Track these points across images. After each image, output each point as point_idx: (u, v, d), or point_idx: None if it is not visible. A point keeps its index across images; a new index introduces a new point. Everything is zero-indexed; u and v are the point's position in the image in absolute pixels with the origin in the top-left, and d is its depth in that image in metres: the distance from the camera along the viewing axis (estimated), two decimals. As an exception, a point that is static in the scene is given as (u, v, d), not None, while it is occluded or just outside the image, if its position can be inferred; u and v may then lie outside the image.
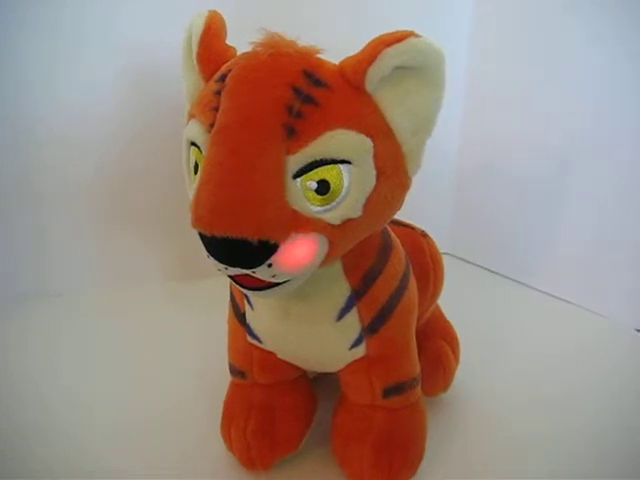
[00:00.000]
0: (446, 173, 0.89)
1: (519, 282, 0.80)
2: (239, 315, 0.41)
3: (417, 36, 0.29)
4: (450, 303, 0.54)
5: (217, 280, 0.47)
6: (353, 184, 0.29)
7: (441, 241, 0.51)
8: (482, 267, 0.87)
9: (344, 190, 0.29)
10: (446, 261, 0.50)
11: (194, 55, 0.33)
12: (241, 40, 0.32)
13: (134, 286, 0.76)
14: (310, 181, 0.28)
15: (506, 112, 0.78)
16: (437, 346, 0.50)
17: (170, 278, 0.79)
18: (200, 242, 0.28)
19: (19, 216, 0.71)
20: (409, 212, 0.37)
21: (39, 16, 0.64)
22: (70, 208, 0.72)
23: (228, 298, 0.44)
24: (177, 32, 0.37)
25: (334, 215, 0.29)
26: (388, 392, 0.39)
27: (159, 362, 0.58)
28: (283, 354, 0.41)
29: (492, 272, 0.85)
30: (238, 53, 0.33)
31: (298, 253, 0.29)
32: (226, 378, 0.45)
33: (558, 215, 0.74)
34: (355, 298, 0.36)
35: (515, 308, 0.73)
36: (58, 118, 0.68)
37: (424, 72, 0.30)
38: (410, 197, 0.34)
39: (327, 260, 0.31)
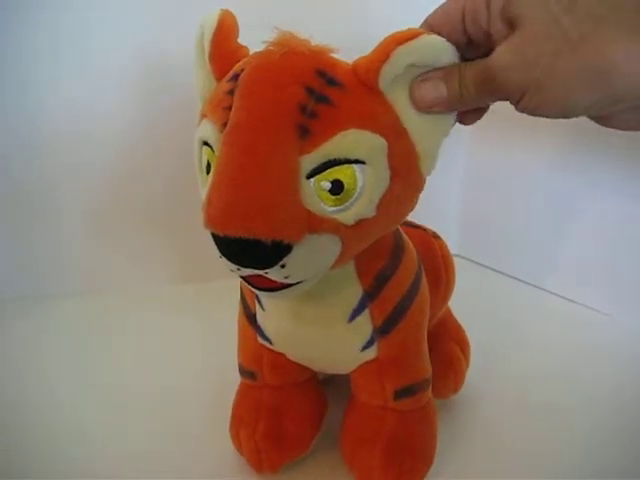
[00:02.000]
0: (456, 173, 0.88)
1: (529, 284, 0.80)
2: (250, 316, 0.41)
3: (429, 34, 0.29)
4: (460, 305, 0.54)
5: (223, 282, 0.47)
6: (367, 184, 0.29)
7: (450, 243, 0.51)
8: (491, 269, 0.86)
9: (358, 190, 0.29)
10: (455, 263, 0.50)
11: (206, 54, 0.33)
12: (253, 39, 0.32)
13: (138, 288, 0.76)
14: (324, 181, 0.28)
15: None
16: (448, 348, 0.49)
17: (174, 280, 0.79)
18: (210, 243, 0.28)
19: (20, 218, 0.70)
20: (418, 213, 0.36)
21: (42, 16, 0.64)
22: (71, 209, 0.72)
23: (233, 300, 0.44)
24: (184, 28, 0.37)
25: (348, 215, 0.29)
26: (399, 394, 0.39)
27: (164, 364, 0.58)
28: (294, 355, 0.41)
29: (502, 274, 0.84)
30: (250, 52, 0.33)
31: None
32: (233, 380, 0.45)
33: (568, 216, 0.74)
34: (367, 299, 0.36)
35: (525, 310, 0.72)
36: (62, 119, 0.68)
37: None
38: (420, 197, 0.33)
39: (340, 261, 0.31)
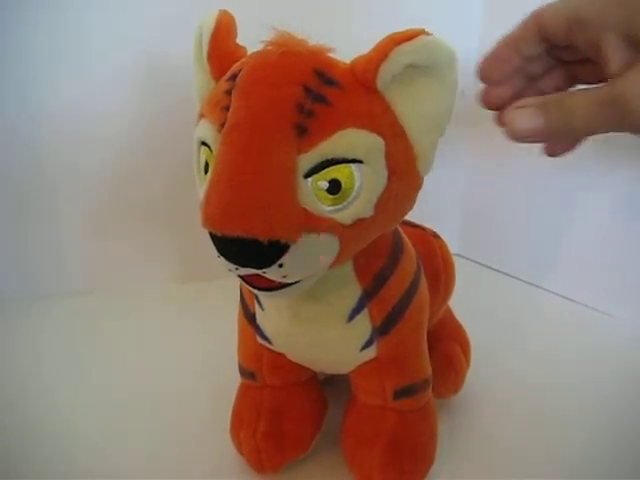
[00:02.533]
0: (456, 173, 0.88)
1: (529, 283, 0.80)
2: (249, 316, 0.41)
3: (428, 34, 0.29)
4: (460, 304, 0.54)
5: (224, 282, 0.47)
6: (365, 184, 0.29)
7: (451, 242, 0.51)
8: (492, 268, 0.86)
9: (355, 190, 0.29)
10: (455, 262, 0.50)
11: (204, 54, 0.33)
12: (252, 39, 0.32)
13: (137, 288, 0.76)
14: (321, 180, 0.28)
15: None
16: (448, 348, 0.49)
17: (174, 280, 0.79)
18: (209, 242, 0.28)
19: (20, 218, 0.71)
20: (418, 212, 0.36)
21: (42, 17, 0.64)
22: (70, 209, 0.72)
23: (234, 300, 0.44)
24: (185, 29, 0.37)
25: (345, 215, 0.29)
26: (399, 394, 0.39)
27: (164, 363, 0.58)
28: (293, 355, 0.41)
29: (502, 273, 0.84)
30: (248, 52, 0.33)
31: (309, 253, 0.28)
32: (233, 380, 0.45)
33: (568, 215, 0.74)
34: (366, 299, 0.36)
35: (525, 309, 0.72)
36: (62, 119, 0.69)
37: (435, 70, 0.30)
38: (419, 197, 0.33)
39: (338, 260, 0.31)
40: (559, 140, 0.30)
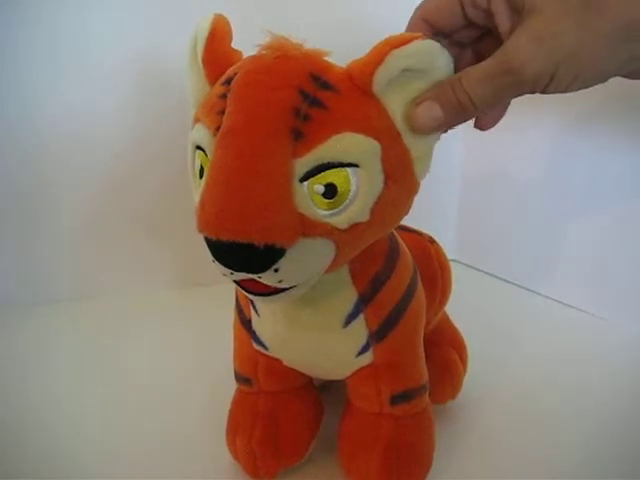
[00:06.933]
0: (452, 178, 0.88)
1: (525, 288, 0.80)
2: (244, 321, 0.41)
3: (424, 38, 0.29)
4: (456, 310, 0.53)
5: (221, 287, 0.47)
6: (361, 188, 0.29)
7: (447, 247, 0.51)
8: (488, 273, 0.86)
9: (351, 194, 0.29)
10: (452, 267, 0.50)
11: (199, 59, 0.33)
12: (246, 43, 0.32)
13: (136, 293, 0.76)
14: (317, 185, 0.28)
15: (512, 115, 0.78)
16: (445, 353, 0.49)
17: (172, 285, 0.79)
18: (205, 247, 0.28)
19: (17, 222, 0.71)
20: (414, 217, 0.36)
21: (40, 19, 0.64)
22: (68, 214, 0.72)
23: (230, 305, 0.43)
24: (180, 34, 0.37)
25: (341, 219, 0.29)
26: (396, 399, 0.38)
27: (159, 369, 0.58)
28: (289, 361, 0.40)
29: (498, 278, 0.84)
30: (244, 56, 0.33)
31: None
32: (229, 386, 0.45)
33: (564, 220, 0.74)
34: (362, 304, 0.36)
35: (522, 314, 0.72)
36: (61, 123, 0.69)
37: (431, 74, 0.30)
38: (415, 202, 0.33)
39: (334, 265, 0.31)
40: (470, 118, 0.30)
